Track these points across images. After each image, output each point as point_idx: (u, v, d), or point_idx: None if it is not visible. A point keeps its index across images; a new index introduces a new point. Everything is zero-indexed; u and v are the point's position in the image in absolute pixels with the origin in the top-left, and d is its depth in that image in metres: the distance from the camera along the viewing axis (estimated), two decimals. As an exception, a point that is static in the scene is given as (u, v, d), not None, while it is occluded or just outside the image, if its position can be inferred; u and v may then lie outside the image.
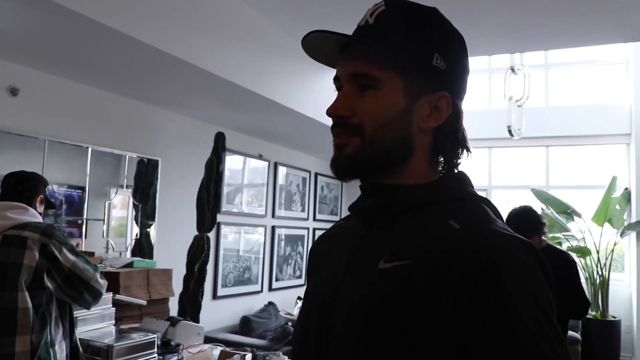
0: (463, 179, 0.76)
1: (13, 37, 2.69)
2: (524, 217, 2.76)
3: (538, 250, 0.66)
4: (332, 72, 0.78)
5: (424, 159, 0.74)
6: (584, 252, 5.69)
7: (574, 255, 5.73)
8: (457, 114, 0.75)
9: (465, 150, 0.77)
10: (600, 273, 5.71)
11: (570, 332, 5.14)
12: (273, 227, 5.54)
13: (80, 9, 2.30)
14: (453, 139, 0.75)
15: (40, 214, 2.21)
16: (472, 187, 0.76)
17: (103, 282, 2.17)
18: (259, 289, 5.30)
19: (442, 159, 0.76)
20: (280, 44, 3.84)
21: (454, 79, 0.74)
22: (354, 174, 0.74)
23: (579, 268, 5.76)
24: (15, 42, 2.76)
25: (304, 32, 0.70)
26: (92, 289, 2.10)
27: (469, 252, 0.63)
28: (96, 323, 2.70)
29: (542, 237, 2.78)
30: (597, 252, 5.77)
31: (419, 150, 0.74)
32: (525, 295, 0.60)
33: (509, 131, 5.39)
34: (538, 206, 6.05)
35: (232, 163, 4.87)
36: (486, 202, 0.74)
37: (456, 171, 0.77)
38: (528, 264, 0.63)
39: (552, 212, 5.88)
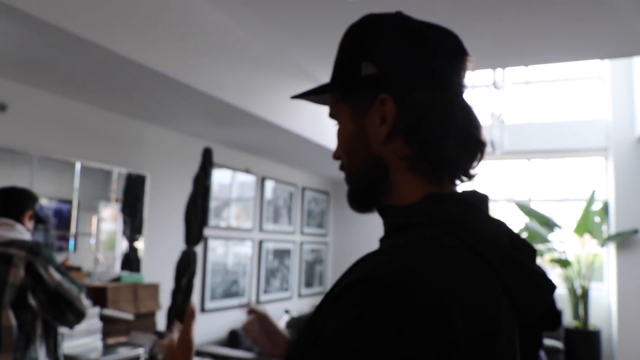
0: (453, 200, 0.64)
1: (1, 52, 2.72)
2: None
3: (413, 294, 0.51)
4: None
5: (406, 173, 0.66)
6: (564, 263, 5.81)
7: (554, 267, 5.89)
8: (417, 111, 0.65)
9: (461, 147, 0.65)
10: (581, 284, 5.83)
11: (552, 342, 5.24)
12: (260, 241, 5.58)
13: (68, 26, 2.34)
14: (429, 142, 0.65)
15: (29, 230, 2.22)
16: (461, 209, 0.63)
17: (87, 303, 2.16)
18: (247, 302, 5.31)
19: (443, 166, 0.66)
20: (266, 60, 3.91)
21: (392, 75, 0.66)
22: (359, 205, 0.72)
23: (560, 279, 5.91)
24: (4, 57, 2.79)
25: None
26: (75, 309, 2.09)
27: (346, 276, 0.58)
28: (83, 338, 2.72)
29: None
30: (578, 263, 5.89)
31: (393, 164, 0.67)
32: (329, 332, 0.53)
33: (492, 145, 5.51)
34: (522, 218, 6.19)
35: (220, 177, 4.92)
36: (449, 231, 0.60)
37: (463, 190, 0.68)
38: (359, 304, 0.52)
39: (534, 225, 6.01)
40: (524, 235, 6.05)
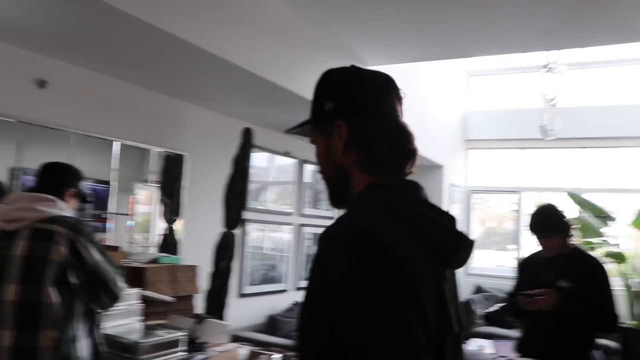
0: (385, 185, 0.93)
1: (42, 29, 2.67)
2: (542, 216, 2.62)
3: (359, 234, 0.81)
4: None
5: (358, 173, 0.96)
6: (620, 258, 5.46)
7: (607, 262, 5.54)
8: (360, 129, 0.96)
9: (392, 154, 0.96)
10: (638, 281, 5.48)
11: (608, 342, 4.93)
12: (299, 226, 5.45)
13: (120, 6, 2.27)
14: (370, 149, 0.95)
15: (72, 207, 2.15)
16: (387, 189, 0.92)
17: (123, 286, 2.11)
18: (285, 287, 5.22)
19: (380, 167, 0.95)
20: (309, 38, 3.76)
21: (343, 108, 0.97)
22: (335, 201, 1.02)
23: (615, 275, 5.57)
24: (44, 34, 2.74)
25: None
26: (110, 291, 2.05)
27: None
28: (122, 319, 2.65)
29: (566, 239, 2.60)
30: (635, 258, 5.53)
31: (349, 168, 0.96)
32: (320, 277, 0.83)
33: (542, 131, 5.21)
34: (573, 209, 5.85)
35: (259, 160, 4.80)
36: (377, 201, 0.90)
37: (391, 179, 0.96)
38: (331, 251, 0.83)
39: (586, 216, 5.67)
40: (577, 226, 5.71)
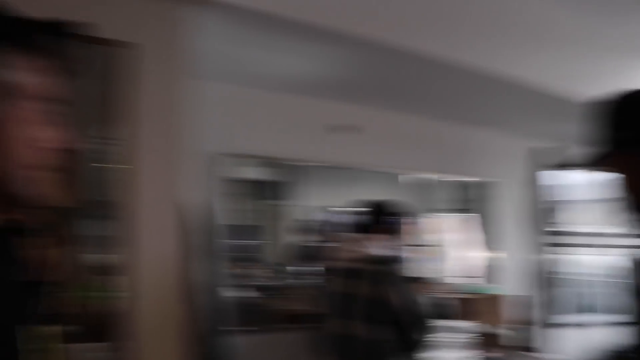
0: None
1: (357, 81, 3.00)
2: None
3: None
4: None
5: None
6: None
7: None
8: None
9: None
10: None
11: None
12: (624, 248, 4.63)
13: (408, 44, 2.40)
14: None
15: (386, 244, 2.23)
16: None
17: (426, 328, 2.09)
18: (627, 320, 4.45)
19: None
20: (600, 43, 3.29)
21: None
22: None
23: None
24: (358, 86, 3.07)
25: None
26: (411, 332, 2.05)
27: None
28: (447, 350, 2.66)
29: None
30: None
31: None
32: None
33: None
34: None
35: (571, 178, 4.34)
36: None
37: None
38: None
39: None
40: None
